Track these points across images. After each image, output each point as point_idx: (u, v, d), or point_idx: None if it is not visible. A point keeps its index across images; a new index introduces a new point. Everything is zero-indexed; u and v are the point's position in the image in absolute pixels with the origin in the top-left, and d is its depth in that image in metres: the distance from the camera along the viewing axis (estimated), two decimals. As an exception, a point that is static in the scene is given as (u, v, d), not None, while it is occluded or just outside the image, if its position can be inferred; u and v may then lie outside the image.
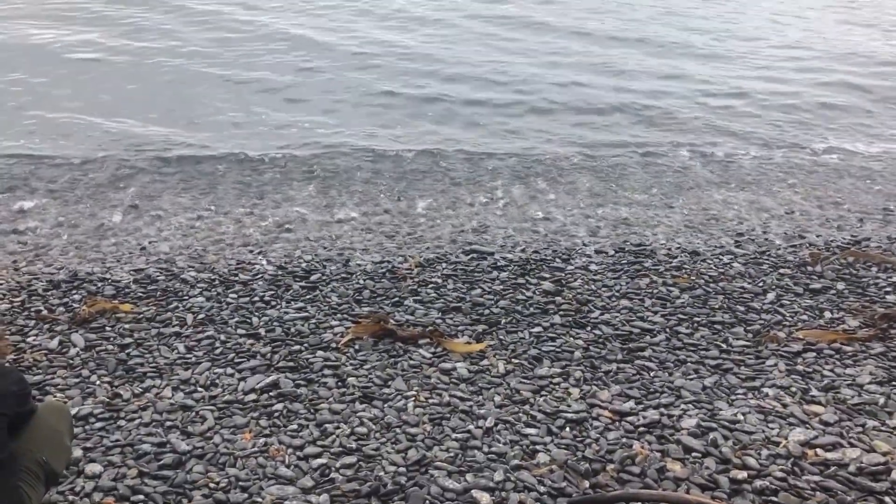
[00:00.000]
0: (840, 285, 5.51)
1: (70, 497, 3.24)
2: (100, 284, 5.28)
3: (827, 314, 5.09)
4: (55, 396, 3.96)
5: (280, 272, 5.54)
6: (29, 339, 4.52)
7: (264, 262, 5.77)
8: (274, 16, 14.19)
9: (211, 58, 11.58)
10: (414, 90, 10.73)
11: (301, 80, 10.92)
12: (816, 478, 3.46)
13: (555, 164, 8.50)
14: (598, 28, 14.54)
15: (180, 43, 12.19)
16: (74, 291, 5.18)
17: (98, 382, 4.12)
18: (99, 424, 3.75)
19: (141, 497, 3.25)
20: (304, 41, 12.70)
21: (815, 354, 4.57)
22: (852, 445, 3.69)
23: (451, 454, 3.59)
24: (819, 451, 3.65)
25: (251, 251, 6.07)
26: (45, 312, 4.86)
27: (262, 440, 3.66)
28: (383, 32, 13.49)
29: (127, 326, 4.69)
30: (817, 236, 6.65)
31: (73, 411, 3.71)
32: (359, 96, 10.39)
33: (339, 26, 13.78)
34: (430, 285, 5.39)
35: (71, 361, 4.32)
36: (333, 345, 4.54)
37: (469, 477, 3.43)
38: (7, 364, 3.30)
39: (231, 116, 9.46)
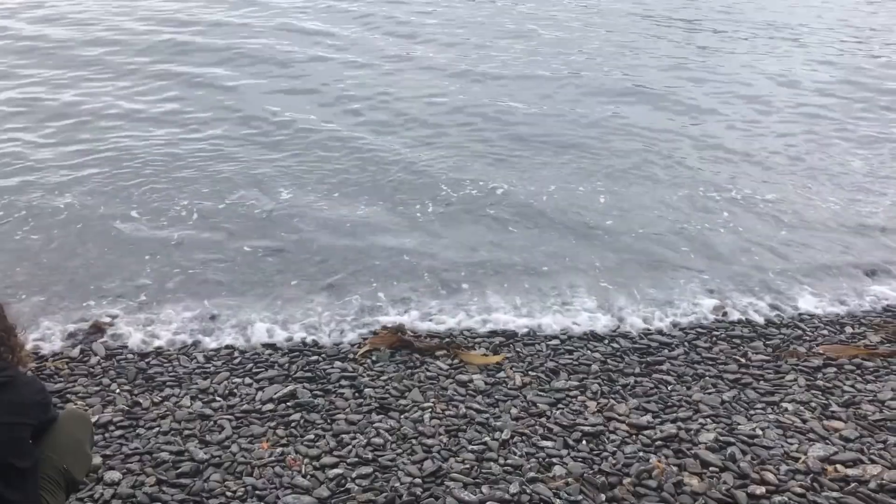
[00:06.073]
0: (861, 300, 5.46)
1: (89, 504, 3.28)
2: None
3: (848, 329, 5.05)
4: (76, 404, 4.01)
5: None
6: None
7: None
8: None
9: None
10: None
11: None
12: (836, 494, 3.43)
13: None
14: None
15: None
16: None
17: (118, 391, 4.16)
18: (118, 432, 3.80)
19: (159, 505, 3.29)
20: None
21: (835, 370, 4.52)
22: (873, 462, 3.65)
23: (467, 466, 3.59)
24: (839, 467, 3.61)
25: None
26: (67, 321, 4.92)
27: (279, 450, 3.68)
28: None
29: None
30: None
31: (94, 419, 3.75)
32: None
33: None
34: (448, 297, 5.40)
35: (92, 370, 4.37)
36: (351, 355, 4.56)
37: (485, 489, 3.43)
38: (29, 373, 3.34)
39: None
